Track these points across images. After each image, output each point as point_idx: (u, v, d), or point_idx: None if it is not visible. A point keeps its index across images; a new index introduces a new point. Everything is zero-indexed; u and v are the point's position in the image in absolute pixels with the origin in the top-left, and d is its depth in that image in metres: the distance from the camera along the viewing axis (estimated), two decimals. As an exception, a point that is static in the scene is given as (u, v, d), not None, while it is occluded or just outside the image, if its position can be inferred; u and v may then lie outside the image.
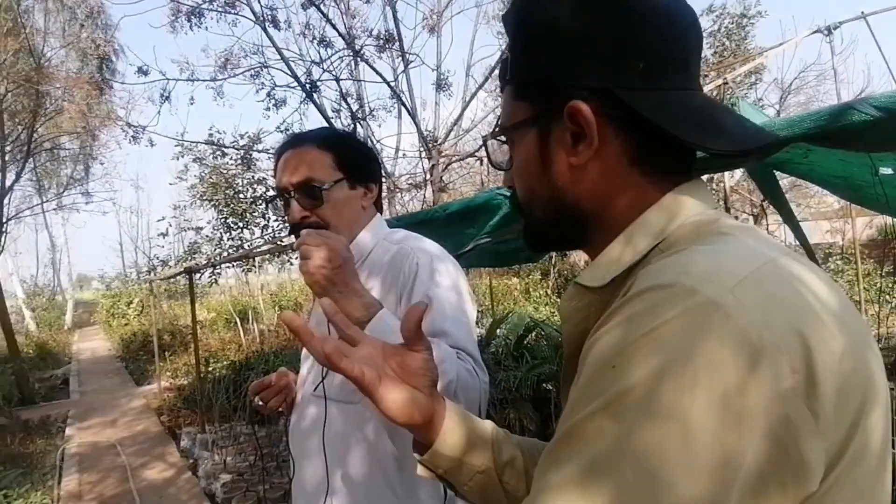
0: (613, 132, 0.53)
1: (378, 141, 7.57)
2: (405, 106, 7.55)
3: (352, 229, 1.12)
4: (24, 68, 8.92)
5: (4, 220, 8.98)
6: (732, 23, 9.53)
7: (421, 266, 1.03)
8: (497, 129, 0.63)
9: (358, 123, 7.03)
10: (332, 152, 1.08)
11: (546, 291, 9.96)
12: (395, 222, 2.52)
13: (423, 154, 8.22)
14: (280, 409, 1.21)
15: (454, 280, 1.06)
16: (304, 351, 1.21)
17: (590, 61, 0.53)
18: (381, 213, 1.23)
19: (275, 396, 1.17)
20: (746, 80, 9.38)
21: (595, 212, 0.57)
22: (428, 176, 7.74)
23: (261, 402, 1.17)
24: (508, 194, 0.63)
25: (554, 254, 10.08)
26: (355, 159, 1.12)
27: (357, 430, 1.04)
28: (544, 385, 4.68)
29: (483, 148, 0.68)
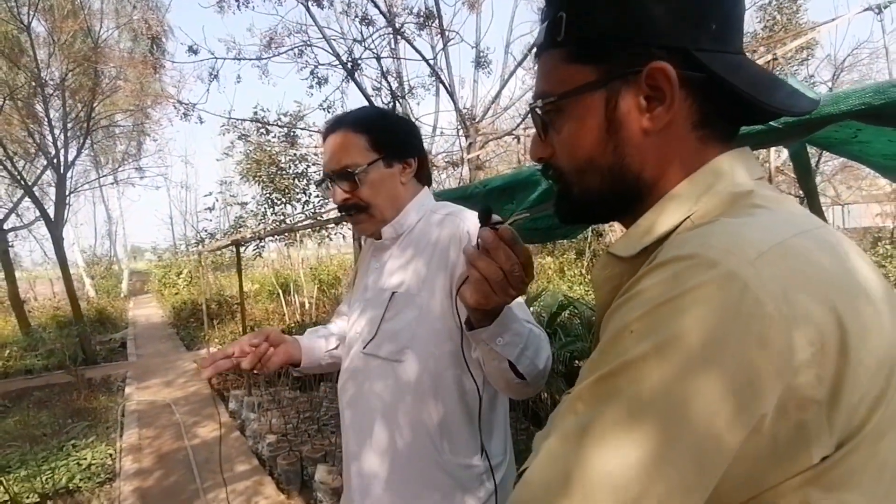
0: (684, 95, 0.52)
1: (416, 119, 7.64)
2: (444, 84, 7.58)
3: (394, 205, 1.16)
4: (82, 48, 9.36)
5: (67, 193, 9.54)
6: (785, -5, 9.07)
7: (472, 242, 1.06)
8: (548, 96, 0.58)
9: (397, 102, 7.11)
10: (367, 134, 1.13)
11: (580, 271, 9.91)
12: (437, 197, 2.61)
13: (461, 132, 8.25)
14: (255, 370, 1.16)
15: None
16: (350, 311, 1.28)
17: (670, 20, 0.51)
18: (429, 186, 1.26)
19: (251, 360, 1.13)
20: (797, 56, 8.93)
21: (653, 180, 0.55)
22: (465, 154, 7.78)
23: (244, 363, 1.13)
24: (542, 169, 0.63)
25: (590, 234, 10.00)
26: (390, 138, 1.15)
27: (402, 388, 1.09)
28: (576, 362, 4.74)
29: (530, 118, 0.63)
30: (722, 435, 0.40)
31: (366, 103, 6.76)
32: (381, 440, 1.11)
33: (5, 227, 9.71)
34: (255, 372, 1.19)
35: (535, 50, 0.62)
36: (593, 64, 0.54)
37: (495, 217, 0.76)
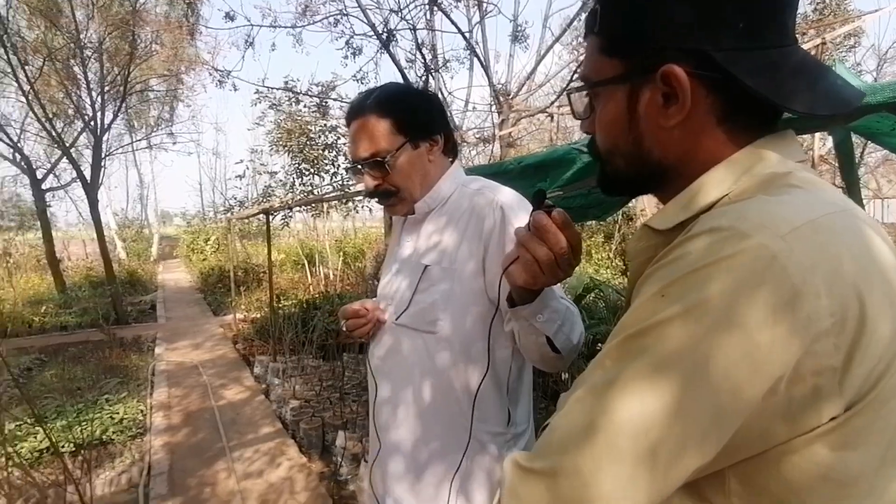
0: (705, 92, 0.53)
1: (449, 93, 7.54)
2: (478, 58, 7.43)
3: (424, 183, 1.17)
4: (120, 11, 9.44)
5: (103, 155, 9.74)
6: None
7: (508, 216, 1.07)
8: (583, 85, 0.62)
9: (430, 75, 7.01)
10: (392, 117, 1.12)
11: (608, 255, 9.78)
12: (469, 173, 2.57)
13: (494, 108, 8.12)
14: (362, 339, 1.27)
15: None
16: (384, 282, 1.28)
17: (690, 22, 0.52)
18: (456, 157, 1.25)
19: (364, 327, 1.22)
20: (845, 43, 8.54)
21: (676, 165, 0.58)
22: (496, 131, 7.67)
23: (345, 329, 1.24)
24: (585, 149, 0.63)
25: (620, 217, 9.83)
26: (415, 117, 1.14)
27: (433, 358, 1.11)
28: (598, 345, 4.71)
29: (567, 100, 0.66)
30: (740, 393, 0.43)
31: (399, 76, 6.68)
32: (410, 408, 1.14)
33: (43, 186, 9.99)
34: (360, 339, 1.26)
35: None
36: (620, 58, 0.57)
37: (548, 201, 0.77)
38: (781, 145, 0.55)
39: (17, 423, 3.83)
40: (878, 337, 0.45)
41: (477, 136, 8.26)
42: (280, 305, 7.07)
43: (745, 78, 0.50)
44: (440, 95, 7.16)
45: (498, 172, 2.68)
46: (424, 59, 6.97)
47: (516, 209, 1.08)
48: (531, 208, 1.12)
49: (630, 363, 0.46)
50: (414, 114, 1.15)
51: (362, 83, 7.85)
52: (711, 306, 0.43)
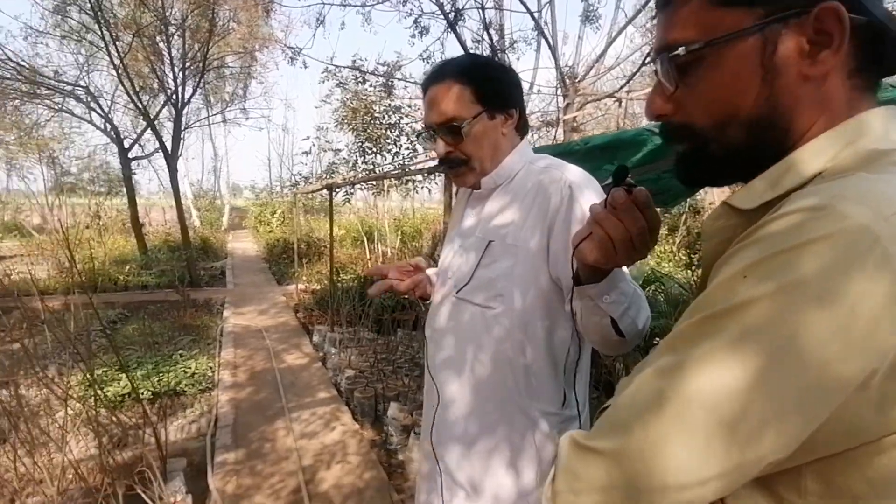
0: (847, 39, 0.48)
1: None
2: (546, 39, 7.28)
3: (495, 156, 1.17)
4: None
5: (182, 128, 10.33)
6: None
7: (575, 194, 1.06)
8: (693, 44, 0.53)
9: (496, 56, 6.95)
10: (472, 85, 1.11)
11: (671, 248, 9.45)
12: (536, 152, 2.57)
13: (559, 91, 7.94)
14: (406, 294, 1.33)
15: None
16: (444, 255, 1.30)
17: None
18: (525, 134, 1.25)
19: (407, 285, 1.30)
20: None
21: (805, 129, 0.52)
22: (561, 114, 7.52)
23: (389, 284, 1.30)
24: (658, 128, 0.58)
25: (686, 210, 9.44)
26: (494, 89, 1.14)
27: (491, 334, 1.12)
28: (656, 339, 4.60)
29: (660, 69, 0.57)
30: (828, 379, 0.39)
31: (463, 54, 6.66)
32: (465, 380, 1.16)
33: (130, 156, 10.73)
34: (405, 295, 1.31)
35: None
36: (748, 6, 0.50)
37: (630, 179, 0.72)
38: (887, 119, 0.51)
39: (105, 369, 4.22)
40: None
41: (541, 119, 8.13)
42: (339, 279, 7.33)
43: (889, 22, 0.47)
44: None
45: (564, 152, 2.66)
46: (491, 40, 6.90)
47: (584, 188, 1.07)
48: (599, 187, 1.09)
49: (705, 342, 0.42)
50: (494, 85, 1.14)
51: (428, 63, 7.88)
52: (802, 287, 0.39)
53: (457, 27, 6.60)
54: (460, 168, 1.17)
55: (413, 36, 7.38)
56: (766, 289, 0.41)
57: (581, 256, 0.80)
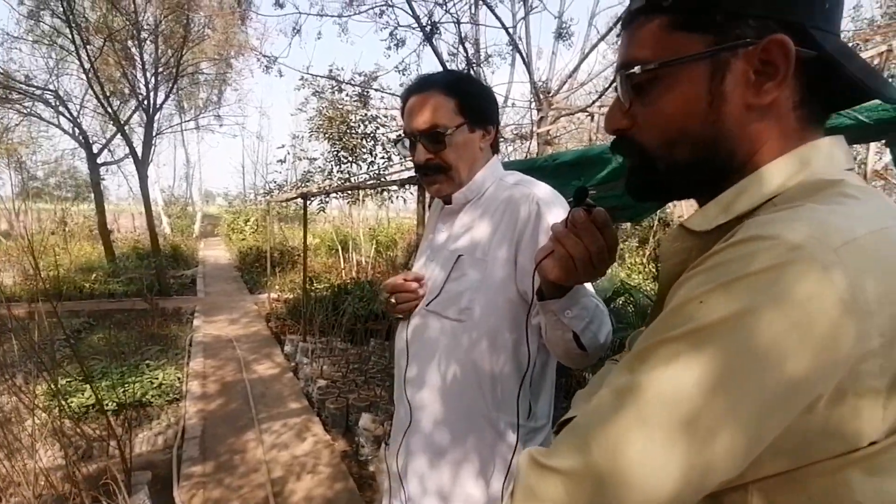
0: (793, 72, 0.50)
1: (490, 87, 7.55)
2: (521, 53, 7.43)
3: (471, 169, 1.19)
4: (176, -4, 9.77)
5: (154, 134, 10.16)
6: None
7: (542, 210, 1.09)
8: (649, 64, 0.55)
9: (472, 69, 7.06)
10: (456, 97, 1.15)
11: (641, 259, 9.66)
12: (505, 168, 2.63)
13: (533, 105, 8.10)
14: (402, 316, 1.26)
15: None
16: (416, 268, 1.31)
17: None
18: (498, 154, 1.28)
19: (411, 302, 1.23)
20: (915, 51, 8.11)
21: (746, 157, 0.54)
22: (535, 128, 7.66)
23: (392, 300, 1.24)
24: (610, 143, 0.62)
25: (655, 222, 9.67)
26: (476, 103, 1.17)
27: (459, 346, 1.13)
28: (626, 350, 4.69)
29: (619, 85, 0.59)
30: (779, 402, 0.41)
31: (440, 69, 6.75)
32: (435, 393, 1.17)
33: (98, 161, 10.50)
34: (403, 314, 1.25)
35: (629, 13, 0.59)
36: (703, 32, 0.52)
37: (590, 199, 0.76)
38: (834, 149, 0.52)
39: (68, 379, 4.12)
40: None
41: (515, 132, 8.27)
42: (313, 288, 7.29)
43: (837, 55, 0.48)
44: (480, 90, 7.18)
45: (532, 168, 2.74)
46: (466, 53, 7.02)
47: (551, 204, 1.10)
48: (566, 204, 1.12)
49: (662, 365, 0.43)
50: (475, 100, 1.18)
51: (404, 74, 7.95)
52: (754, 317, 0.41)
53: (433, 40, 6.69)
54: (438, 176, 1.19)
55: (389, 48, 7.46)
56: (720, 315, 0.42)
57: (543, 273, 0.83)
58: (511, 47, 7.64)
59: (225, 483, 2.99)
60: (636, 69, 0.55)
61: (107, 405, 3.76)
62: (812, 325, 0.40)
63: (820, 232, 0.42)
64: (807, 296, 0.40)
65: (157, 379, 4.47)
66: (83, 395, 3.88)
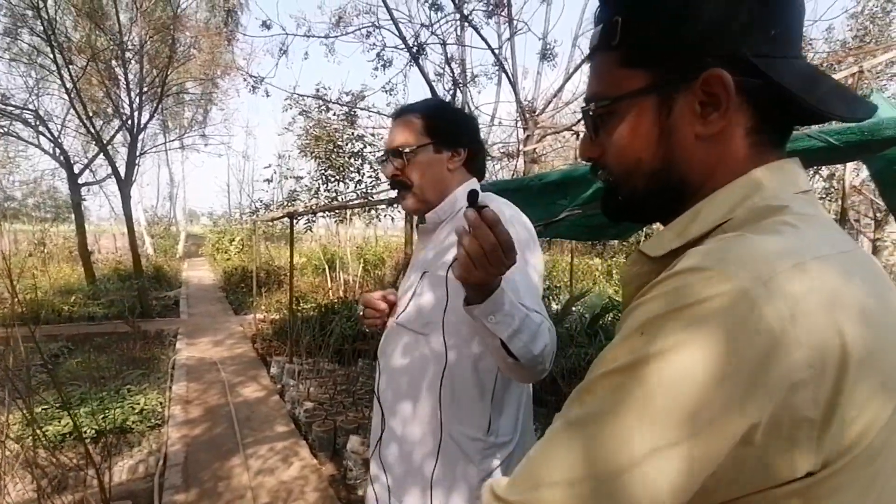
0: (740, 101, 0.52)
1: (476, 108, 7.62)
2: (507, 74, 7.53)
3: (437, 188, 1.25)
4: (162, 17, 9.79)
5: (137, 154, 10.05)
6: (878, 6, 8.53)
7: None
8: (605, 102, 0.58)
9: (458, 89, 7.12)
10: (424, 120, 1.24)
11: (628, 275, 9.69)
12: (489, 187, 2.63)
13: (519, 123, 8.17)
14: (373, 329, 1.36)
15: (523, 240, 1.16)
16: (402, 284, 1.36)
17: (728, 26, 0.51)
18: (481, 177, 1.34)
19: (376, 320, 1.33)
20: (887, 71, 8.40)
21: (699, 184, 0.56)
22: (521, 146, 7.72)
23: (363, 314, 1.35)
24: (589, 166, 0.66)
25: (642, 238, 9.75)
26: (444, 127, 1.25)
27: (424, 358, 1.19)
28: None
29: (583, 119, 0.63)
30: (710, 440, 0.42)
31: (427, 88, 6.81)
32: (403, 403, 1.22)
33: (79, 181, 10.34)
34: (371, 329, 1.36)
35: (589, 50, 0.62)
36: (647, 69, 0.55)
37: (481, 201, 0.83)
38: (784, 173, 0.54)
39: (45, 406, 3.97)
40: (862, 391, 0.43)
41: (501, 150, 8.33)
42: (299, 308, 7.19)
43: (785, 83, 0.50)
44: (467, 109, 7.24)
45: (519, 188, 2.74)
46: (453, 73, 7.08)
47: (510, 221, 1.14)
48: (526, 221, 1.17)
49: (607, 398, 0.45)
50: (444, 122, 1.26)
51: (391, 94, 8.01)
52: (687, 352, 0.42)
53: (420, 60, 6.75)
54: (404, 192, 1.27)
55: (376, 68, 7.51)
56: (657, 348, 0.43)
57: (454, 274, 0.89)
58: (497, 67, 7.74)
59: (209, 512, 2.88)
60: (592, 105, 0.59)
61: (85, 432, 3.63)
62: (741, 357, 0.41)
63: (751, 264, 0.44)
64: (736, 330, 0.41)
65: (138, 404, 4.34)
66: (59, 422, 3.75)
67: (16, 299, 2.46)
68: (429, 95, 6.38)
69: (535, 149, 8.11)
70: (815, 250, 0.46)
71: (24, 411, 2.31)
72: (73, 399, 4.30)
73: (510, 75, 7.62)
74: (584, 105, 0.62)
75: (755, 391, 0.41)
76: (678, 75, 0.53)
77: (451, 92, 7.04)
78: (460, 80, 7.26)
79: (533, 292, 1.11)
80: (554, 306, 7.28)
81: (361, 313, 1.35)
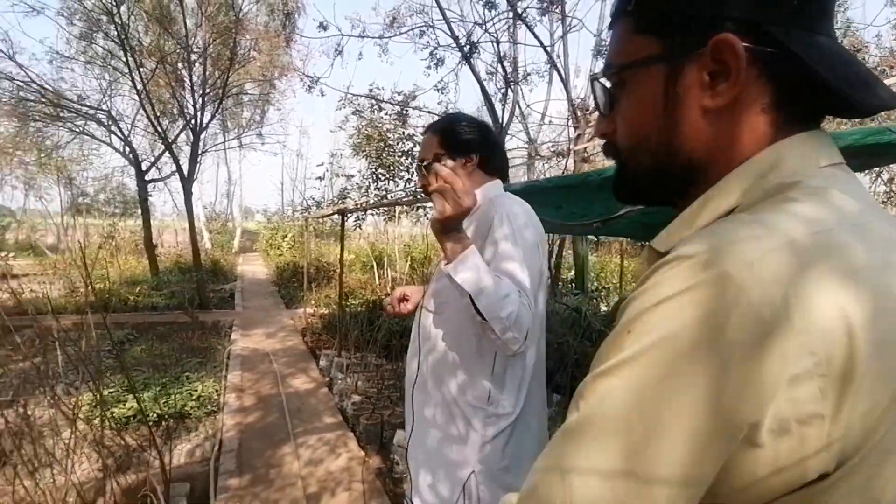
0: (756, 73, 0.48)
1: (527, 105, 7.54)
2: (559, 72, 7.41)
3: None
4: (224, 21, 10.21)
5: (199, 152, 10.52)
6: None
7: (496, 219, 1.30)
8: (610, 69, 0.55)
9: (509, 87, 7.06)
10: (438, 136, 1.46)
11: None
12: (545, 183, 2.59)
13: (570, 122, 8.03)
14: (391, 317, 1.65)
15: (519, 230, 1.30)
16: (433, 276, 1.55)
17: None
18: (504, 176, 1.52)
19: (391, 308, 1.60)
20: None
21: (708, 162, 0.51)
22: (572, 145, 7.58)
23: (388, 304, 1.62)
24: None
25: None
26: (455, 138, 1.45)
27: (438, 335, 1.40)
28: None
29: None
30: (708, 444, 0.38)
31: (478, 87, 6.80)
32: (423, 375, 1.44)
33: (146, 178, 10.92)
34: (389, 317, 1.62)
35: (610, 17, 0.59)
36: (657, 36, 0.51)
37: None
38: (805, 147, 0.49)
39: (112, 390, 4.21)
40: (874, 378, 0.38)
41: (551, 149, 8.21)
42: (348, 303, 7.32)
43: (803, 55, 0.45)
44: (518, 107, 7.18)
45: (575, 184, 2.68)
46: (505, 72, 7.03)
47: (509, 217, 1.30)
48: (531, 214, 1.38)
49: (597, 402, 0.43)
50: (454, 134, 1.46)
51: (442, 93, 8.04)
52: (675, 340, 0.39)
53: (471, 59, 6.74)
54: (430, 199, 1.45)
55: (429, 67, 7.55)
56: (643, 344, 0.41)
57: (432, 219, 1.19)
58: (549, 65, 7.62)
59: (261, 497, 2.97)
60: (604, 74, 0.57)
61: (148, 416, 3.81)
62: (732, 349, 0.37)
63: (735, 245, 0.40)
64: (722, 319, 0.38)
65: (196, 391, 4.54)
66: (125, 405, 3.96)
67: (91, 287, 2.61)
68: (479, 94, 6.37)
69: (585, 148, 7.95)
70: (815, 225, 0.41)
71: (95, 393, 2.44)
72: (138, 384, 4.54)
73: (562, 73, 7.50)
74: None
75: (748, 387, 0.37)
76: (688, 42, 0.49)
77: (501, 91, 7.00)
78: (512, 79, 7.20)
79: (517, 268, 1.24)
80: (603, 308, 7.12)
81: (387, 303, 1.62)
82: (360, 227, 10.95)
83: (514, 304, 1.15)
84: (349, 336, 5.94)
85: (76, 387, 4.05)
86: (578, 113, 7.76)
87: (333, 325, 6.70)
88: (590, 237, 8.88)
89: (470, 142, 1.46)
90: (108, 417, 2.61)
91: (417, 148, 9.16)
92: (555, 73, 7.75)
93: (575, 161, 7.92)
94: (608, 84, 0.57)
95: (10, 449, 2.31)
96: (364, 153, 9.35)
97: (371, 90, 8.73)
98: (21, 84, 9.41)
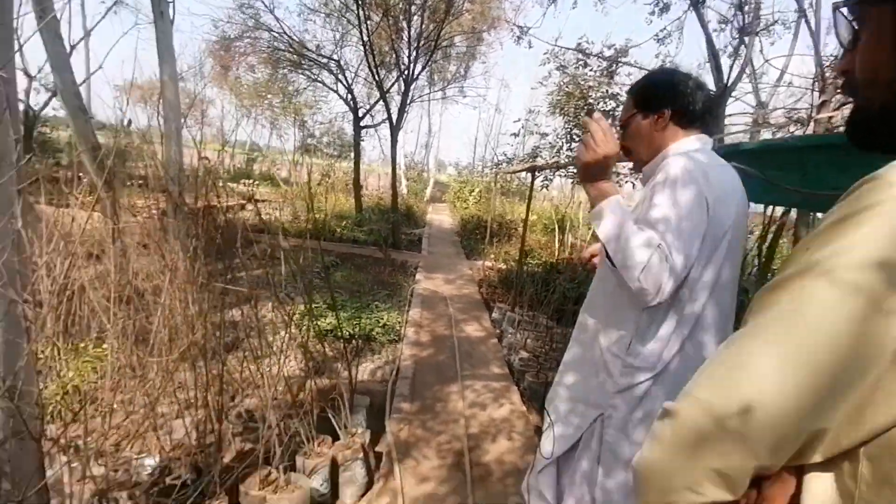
0: None
1: (766, 60, 6.45)
2: (808, 24, 6.14)
3: (650, 148, 1.45)
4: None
5: (408, 102, 11.26)
6: None
7: (660, 174, 1.32)
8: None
9: (743, 40, 6.09)
10: (633, 96, 1.48)
11: None
12: (785, 142, 2.21)
13: (816, 86, 6.68)
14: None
15: (675, 185, 1.26)
16: None
17: None
18: (704, 127, 1.45)
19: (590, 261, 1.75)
20: None
21: None
22: (814, 112, 6.32)
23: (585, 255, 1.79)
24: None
25: None
26: (646, 95, 1.45)
27: (610, 286, 1.45)
28: None
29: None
30: (867, 343, 0.43)
31: (704, 38, 5.97)
32: (583, 318, 1.56)
33: (361, 124, 12.09)
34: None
35: None
36: None
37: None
38: None
39: (317, 304, 4.86)
40: None
41: (787, 116, 6.96)
42: (526, 262, 7.33)
43: None
44: (751, 64, 6.18)
45: (820, 145, 2.21)
46: (743, 20, 6.06)
47: (673, 178, 1.27)
48: (691, 180, 1.30)
49: (768, 310, 0.48)
50: (647, 91, 1.46)
51: (662, 44, 7.28)
52: (848, 254, 0.44)
53: (700, 6, 5.94)
54: (629, 156, 1.51)
55: (652, 13, 6.87)
56: (815, 258, 0.46)
57: (575, 158, 1.35)
58: (798, 13, 6.37)
59: (427, 425, 3.19)
60: (843, 6, 0.58)
61: (342, 333, 4.32)
62: None
63: None
64: None
65: (382, 319, 5.01)
66: (325, 320, 4.54)
67: (313, 216, 2.97)
68: (704, 48, 5.61)
69: (830, 117, 6.57)
70: None
71: (307, 304, 2.81)
72: (337, 304, 5.16)
73: (812, 26, 6.20)
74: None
75: None
76: None
77: (734, 42, 6.06)
78: (750, 28, 6.17)
79: (663, 221, 1.22)
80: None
81: (585, 254, 1.79)
82: (546, 188, 10.74)
83: (645, 255, 1.17)
84: (524, 293, 5.95)
85: (292, 297, 4.76)
86: (826, 75, 6.39)
87: (510, 281, 6.79)
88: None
89: (660, 97, 1.43)
90: (313, 327, 2.99)
91: (620, 108, 8.57)
92: (802, 25, 6.46)
93: (815, 132, 6.61)
94: (850, 18, 0.58)
95: (242, 337, 2.79)
96: (562, 111, 9.03)
97: (579, 44, 8.27)
98: (276, 34, 10.97)
